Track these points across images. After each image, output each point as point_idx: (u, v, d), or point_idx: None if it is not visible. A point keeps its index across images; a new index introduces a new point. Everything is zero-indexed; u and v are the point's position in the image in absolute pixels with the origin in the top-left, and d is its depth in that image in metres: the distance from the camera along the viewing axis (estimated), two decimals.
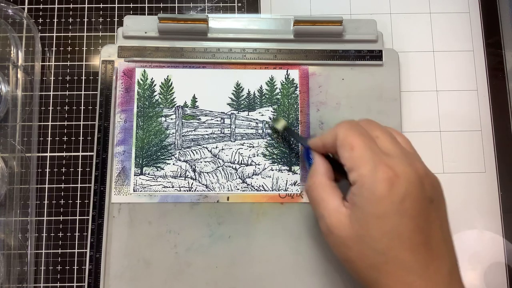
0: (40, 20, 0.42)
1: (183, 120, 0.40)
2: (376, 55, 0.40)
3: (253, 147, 0.39)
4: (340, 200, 0.29)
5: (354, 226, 0.28)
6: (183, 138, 0.39)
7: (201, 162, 0.39)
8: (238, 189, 0.38)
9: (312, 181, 0.31)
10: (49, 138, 0.40)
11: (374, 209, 0.27)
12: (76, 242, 0.39)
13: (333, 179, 0.31)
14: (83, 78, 0.41)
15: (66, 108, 0.41)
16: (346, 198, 0.29)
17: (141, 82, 0.40)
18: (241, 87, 0.40)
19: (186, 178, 0.39)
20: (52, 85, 0.41)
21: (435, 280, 0.26)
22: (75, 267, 0.39)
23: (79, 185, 0.40)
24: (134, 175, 0.38)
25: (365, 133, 0.29)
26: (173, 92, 0.40)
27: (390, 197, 0.26)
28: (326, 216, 0.29)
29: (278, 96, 0.40)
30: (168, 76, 0.40)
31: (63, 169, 0.40)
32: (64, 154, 0.40)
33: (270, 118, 0.39)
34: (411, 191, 0.27)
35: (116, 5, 0.43)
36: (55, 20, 0.42)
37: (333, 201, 0.29)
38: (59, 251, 0.39)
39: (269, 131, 0.39)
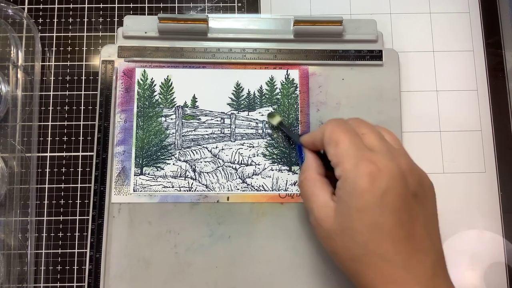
0: (40, 20, 0.42)
1: (183, 120, 0.40)
2: (376, 55, 0.40)
3: (253, 147, 0.39)
4: (329, 194, 0.30)
5: (338, 219, 0.28)
6: (183, 138, 0.39)
7: (201, 162, 0.39)
8: (238, 189, 0.38)
9: (304, 176, 0.32)
10: (49, 138, 0.40)
11: (355, 202, 0.27)
12: (76, 242, 0.39)
13: (323, 174, 0.32)
14: (83, 78, 0.41)
15: (66, 108, 0.41)
16: (334, 193, 0.30)
17: (141, 82, 0.40)
18: (241, 87, 0.40)
19: (186, 178, 0.39)
20: (52, 85, 0.41)
21: (417, 273, 0.27)
22: (75, 267, 0.39)
23: (79, 185, 0.40)
24: (134, 175, 0.38)
25: (351, 129, 0.30)
26: (173, 92, 0.40)
27: (371, 190, 0.27)
28: (315, 209, 0.30)
29: (278, 96, 0.40)
30: (168, 76, 0.40)
31: (63, 169, 0.40)
32: (64, 154, 0.40)
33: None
34: (392, 185, 0.27)
35: (116, 5, 0.43)
36: (55, 20, 0.42)
37: (322, 196, 0.30)
38: (59, 251, 0.39)
39: (269, 131, 0.39)
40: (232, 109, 0.40)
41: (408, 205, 0.27)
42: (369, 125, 0.31)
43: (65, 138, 0.40)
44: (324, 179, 0.32)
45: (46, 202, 0.39)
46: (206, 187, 0.38)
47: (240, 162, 0.39)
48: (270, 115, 0.39)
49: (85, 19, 0.42)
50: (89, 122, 0.41)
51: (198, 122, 0.40)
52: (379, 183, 0.27)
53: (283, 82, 0.40)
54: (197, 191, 0.38)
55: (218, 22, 0.41)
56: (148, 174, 0.39)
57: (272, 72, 0.40)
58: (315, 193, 0.30)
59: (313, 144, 0.33)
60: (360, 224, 0.27)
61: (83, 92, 0.41)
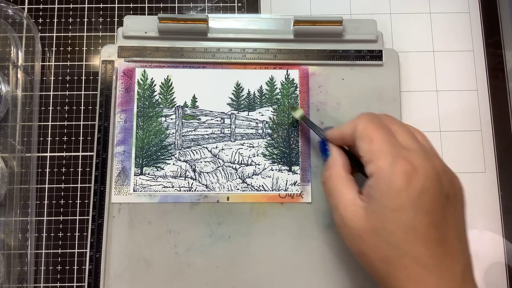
0: (40, 20, 0.42)
1: (183, 120, 0.40)
2: (376, 55, 0.40)
3: (253, 147, 0.39)
4: (356, 193, 0.29)
5: (369, 219, 0.28)
6: (183, 138, 0.39)
7: (201, 162, 0.39)
8: (238, 189, 0.38)
9: (329, 173, 0.31)
10: (49, 138, 0.40)
11: (390, 202, 0.27)
12: (76, 242, 0.39)
13: (350, 171, 0.31)
14: (83, 78, 0.41)
15: (66, 108, 0.41)
16: (361, 191, 0.29)
17: (141, 82, 0.40)
18: (241, 87, 0.40)
19: (186, 178, 0.39)
20: (52, 85, 0.41)
21: (448, 277, 0.26)
22: (75, 267, 0.39)
23: (79, 185, 0.40)
24: (134, 175, 0.38)
25: (385, 126, 0.29)
26: (173, 92, 0.40)
27: (407, 191, 0.26)
28: (341, 208, 0.29)
29: (278, 96, 0.40)
30: (168, 76, 0.40)
31: (63, 169, 0.40)
32: (64, 154, 0.40)
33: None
34: (428, 186, 0.26)
35: (116, 5, 0.43)
36: (55, 20, 0.42)
37: (349, 193, 0.29)
38: (59, 251, 0.39)
39: (269, 131, 0.39)
40: (232, 109, 0.40)
41: (441, 207, 0.27)
42: (400, 122, 0.31)
43: (65, 138, 0.40)
44: (351, 176, 0.31)
45: (46, 202, 0.39)
46: (206, 187, 0.38)
47: (240, 162, 0.39)
48: (293, 108, 0.38)
49: (85, 19, 0.42)
50: (89, 122, 0.41)
51: (198, 122, 0.40)
52: (416, 183, 0.26)
53: (283, 82, 0.40)
54: (197, 191, 0.38)
55: (218, 22, 0.41)
56: (148, 174, 0.39)
57: (272, 72, 0.40)
58: (342, 191, 0.30)
59: (341, 139, 0.32)
60: (395, 225, 0.26)
61: (83, 92, 0.41)
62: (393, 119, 0.31)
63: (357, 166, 0.31)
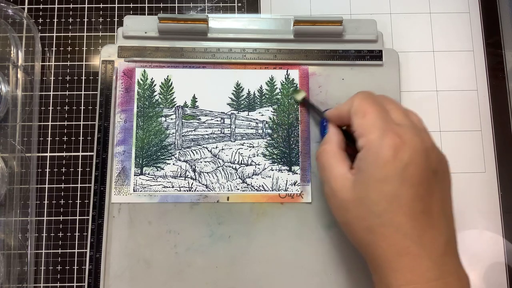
0: (40, 20, 0.42)
1: (183, 120, 0.40)
2: (376, 55, 0.40)
3: (253, 147, 0.39)
4: (347, 167, 0.30)
5: (355, 189, 0.29)
6: (183, 138, 0.39)
7: (201, 162, 0.39)
8: (238, 189, 0.38)
9: (323, 148, 0.33)
10: (49, 138, 0.40)
11: (376, 172, 0.27)
12: (76, 242, 0.39)
13: (344, 149, 0.32)
14: (83, 78, 0.41)
15: (66, 108, 0.41)
16: (352, 166, 0.30)
17: (141, 82, 0.40)
18: (241, 87, 0.40)
19: (186, 178, 0.39)
20: (52, 85, 0.41)
21: (430, 248, 0.27)
22: (75, 267, 0.39)
23: (79, 185, 0.40)
24: (134, 175, 0.38)
25: (380, 103, 0.31)
26: (173, 92, 0.40)
27: (394, 162, 0.27)
28: (332, 180, 0.30)
29: (278, 96, 0.40)
30: (168, 76, 0.40)
31: (63, 169, 0.40)
32: (64, 154, 0.40)
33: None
34: (415, 159, 0.27)
35: (116, 5, 0.43)
36: (55, 20, 0.42)
37: (340, 168, 0.30)
38: (59, 251, 0.39)
39: (269, 131, 0.39)
40: (232, 109, 0.40)
41: (427, 180, 0.28)
42: (396, 102, 0.32)
43: (65, 138, 0.40)
44: (344, 153, 0.32)
45: (46, 202, 0.39)
46: (206, 187, 0.38)
47: (240, 162, 0.39)
48: (295, 91, 0.39)
49: (85, 19, 0.42)
50: (89, 122, 0.41)
51: (198, 122, 0.40)
52: (403, 156, 0.27)
53: (283, 82, 0.40)
54: (197, 191, 0.38)
55: (218, 22, 0.41)
56: (148, 174, 0.39)
57: (272, 72, 0.40)
58: (333, 165, 0.31)
59: (339, 117, 0.33)
60: (379, 195, 0.27)
61: (83, 92, 0.41)
62: (390, 99, 0.32)
63: (352, 144, 0.32)
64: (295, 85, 0.40)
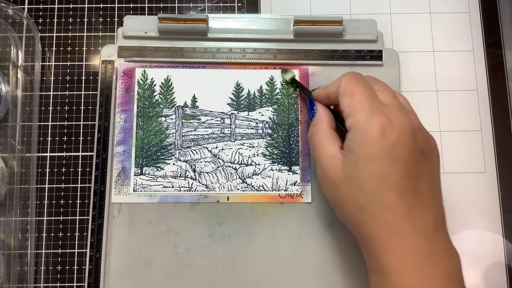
0: (40, 20, 0.42)
1: (183, 120, 0.40)
2: (376, 55, 0.40)
3: (253, 147, 0.39)
4: (338, 147, 0.31)
5: (345, 168, 0.29)
6: (183, 138, 0.39)
7: (201, 162, 0.39)
8: (238, 189, 0.38)
9: (315, 128, 0.33)
10: (49, 138, 0.40)
11: (365, 151, 0.28)
12: (76, 242, 0.39)
13: (334, 128, 0.33)
14: (83, 78, 0.41)
15: (66, 108, 0.41)
16: (343, 146, 0.31)
17: (141, 82, 0.40)
18: (241, 87, 0.40)
19: (186, 178, 0.39)
20: (52, 85, 0.41)
21: (419, 226, 0.27)
22: (75, 267, 0.39)
23: (79, 185, 0.40)
24: (134, 175, 0.38)
25: (367, 84, 0.31)
26: (173, 92, 0.40)
27: (382, 141, 0.27)
28: (323, 159, 0.31)
29: (278, 96, 0.40)
30: (168, 76, 0.40)
31: (63, 169, 0.40)
32: (64, 154, 0.40)
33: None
34: (402, 138, 0.28)
35: (116, 5, 0.43)
36: (55, 20, 0.42)
37: (332, 147, 0.31)
38: (59, 251, 0.39)
39: (269, 131, 0.39)
40: (232, 109, 0.40)
41: (415, 160, 0.28)
42: (384, 84, 0.32)
43: (65, 138, 0.40)
44: (334, 132, 0.32)
45: (46, 202, 0.39)
46: (206, 187, 0.38)
47: (240, 162, 0.39)
48: (284, 71, 0.40)
49: (85, 19, 0.42)
50: (89, 122, 0.41)
51: (198, 122, 0.40)
52: (390, 135, 0.28)
53: (283, 82, 0.40)
54: (197, 191, 0.38)
55: (218, 22, 0.41)
56: (148, 174, 0.39)
57: (272, 72, 0.40)
58: (325, 144, 0.31)
59: (326, 96, 0.33)
60: (368, 173, 0.28)
61: (83, 92, 0.41)
62: (378, 80, 0.33)
63: (340, 124, 0.33)
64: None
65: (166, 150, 0.39)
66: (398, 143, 0.28)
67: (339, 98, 0.31)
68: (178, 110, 0.40)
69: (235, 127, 0.40)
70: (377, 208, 0.28)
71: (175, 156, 0.39)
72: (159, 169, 0.39)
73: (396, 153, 0.27)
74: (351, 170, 0.29)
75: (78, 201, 0.39)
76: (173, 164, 0.39)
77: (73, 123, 0.41)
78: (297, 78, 0.40)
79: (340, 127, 0.33)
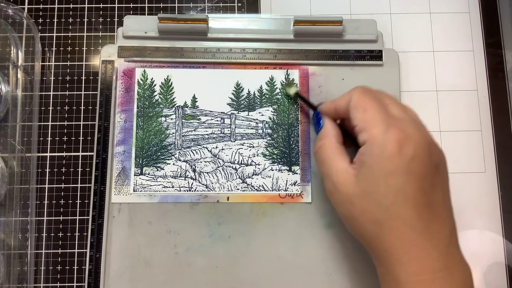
0: (40, 20, 0.42)
1: (183, 120, 0.40)
2: (376, 55, 0.40)
3: (253, 147, 0.39)
4: (347, 162, 0.31)
5: (360, 183, 0.29)
6: (183, 138, 0.39)
7: (201, 162, 0.39)
8: (238, 189, 0.38)
9: (322, 142, 0.33)
10: (49, 138, 0.40)
11: (382, 167, 0.28)
12: (76, 242, 0.39)
13: (342, 143, 0.33)
14: (83, 78, 0.41)
15: (66, 108, 0.41)
16: (353, 160, 0.31)
17: (141, 82, 0.40)
18: (241, 87, 0.40)
19: (186, 178, 0.39)
20: (52, 85, 0.41)
21: (435, 240, 0.27)
22: (75, 267, 0.39)
23: (79, 185, 0.40)
24: (134, 175, 0.38)
25: (378, 97, 0.31)
26: (173, 92, 0.40)
27: (399, 156, 0.28)
28: (333, 174, 0.31)
29: (278, 96, 0.40)
30: (168, 76, 0.40)
31: (63, 169, 0.40)
32: (64, 154, 0.40)
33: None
34: (419, 153, 0.28)
35: (116, 5, 0.43)
36: (55, 20, 0.42)
37: (341, 162, 0.31)
38: (59, 251, 0.39)
39: (269, 131, 0.39)
40: (232, 109, 0.40)
41: (430, 173, 0.28)
42: (392, 97, 0.32)
43: (65, 138, 0.40)
44: (343, 147, 0.32)
45: (46, 202, 0.39)
46: (206, 187, 0.38)
47: (240, 162, 0.39)
48: (288, 85, 0.39)
49: (85, 19, 0.42)
50: (89, 122, 0.41)
51: (198, 122, 0.40)
52: (407, 149, 0.28)
53: (283, 82, 0.40)
54: (197, 191, 0.38)
55: (218, 22, 0.41)
56: (148, 174, 0.39)
57: (272, 72, 0.40)
58: (335, 160, 0.31)
59: (335, 110, 0.33)
60: (386, 188, 0.28)
61: (83, 92, 0.41)
62: (386, 93, 0.33)
63: (348, 138, 0.33)
64: (295, 85, 0.40)
65: (166, 150, 0.39)
66: (415, 157, 0.28)
67: (350, 112, 0.31)
68: (178, 110, 0.40)
69: (235, 127, 0.40)
70: (394, 222, 0.28)
71: (175, 156, 0.39)
72: (159, 169, 0.39)
73: (413, 167, 0.28)
74: (367, 185, 0.28)
75: (78, 201, 0.39)
76: (173, 164, 0.39)
77: (73, 123, 0.41)
78: (297, 78, 0.40)
79: (347, 141, 0.33)
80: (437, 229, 0.28)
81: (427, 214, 0.28)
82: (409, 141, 0.28)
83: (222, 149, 0.39)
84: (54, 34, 0.42)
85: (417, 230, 0.27)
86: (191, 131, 0.39)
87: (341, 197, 0.30)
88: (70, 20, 0.42)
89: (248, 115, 0.40)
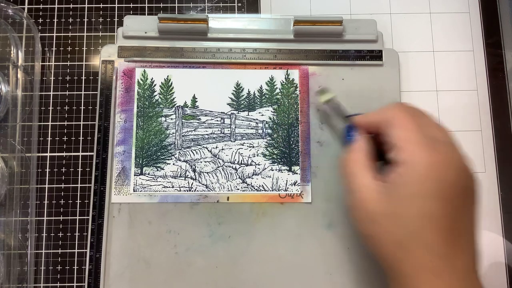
0: (40, 20, 0.42)
1: (183, 120, 0.40)
2: (376, 55, 0.40)
3: (253, 147, 0.39)
4: (374, 178, 0.30)
5: (388, 203, 0.28)
6: (183, 138, 0.39)
7: (201, 162, 0.39)
8: (238, 189, 0.38)
9: (351, 155, 0.32)
10: (49, 138, 0.40)
11: (413, 188, 0.27)
12: (76, 242, 0.39)
13: (372, 159, 0.32)
14: (83, 78, 0.41)
15: (66, 108, 0.41)
16: (380, 177, 0.30)
17: (141, 82, 0.40)
18: (241, 87, 0.40)
19: (186, 178, 0.39)
20: (52, 85, 0.41)
21: (456, 267, 0.27)
22: (75, 267, 0.39)
23: (79, 185, 0.40)
24: (134, 175, 0.38)
25: (416, 116, 0.30)
26: (173, 92, 0.40)
27: (433, 180, 0.27)
28: (357, 190, 0.30)
29: (278, 96, 0.40)
30: (168, 76, 0.40)
31: (63, 169, 0.40)
32: (64, 154, 0.40)
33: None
34: (452, 177, 0.27)
35: (116, 5, 0.43)
36: (55, 20, 0.42)
37: (367, 178, 0.30)
38: (59, 251, 0.39)
39: (269, 131, 0.39)
40: (232, 109, 0.40)
41: (461, 199, 0.28)
42: (429, 116, 0.32)
43: (65, 138, 0.40)
44: (373, 163, 0.31)
45: (46, 202, 0.39)
46: (206, 187, 0.38)
47: (240, 162, 0.39)
48: (322, 91, 0.38)
49: (85, 19, 0.42)
50: (89, 122, 0.41)
51: (198, 122, 0.40)
52: (441, 174, 0.27)
53: (283, 82, 0.40)
54: (197, 191, 0.38)
55: (218, 22, 0.41)
56: (148, 174, 0.39)
57: (272, 72, 0.40)
58: (362, 175, 0.30)
59: (368, 124, 0.32)
60: (416, 211, 0.27)
61: (83, 92, 0.41)
62: (422, 111, 0.32)
63: (379, 154, 0.32)
64: (295, 85, 0.40)
65: (166, 150, 0.39)
66: (448, 182, 0.27)
67: (386, 129, 0.30)
68: (178, 110, 0.40)
69: (235, 127, 0.40)
70: (417, 246, 0.27)
71: (175, 156, 0.39)
72: (159, 169, 0.39)
73: (446, 192, 0.27)
74: (395, 205, 0.28)
75: (78, 201, 0.39)
76: (173, 164, 0.39)
77: (73, 123, 0.41)
78: (297, 78, 0.40)
79: (375, 156, 0.32)
80: (459, 255, 0.27)
81: (451, 240, 0.27)
82: (444, 164, 0.27)
83: (222, 149, 0.39)
84: (54, 34, 0.42)
85: (439, 255, 0.27)
86: (191, 131, 0.39)
87: (364, 214, 0.29)
88: (70, 20, 0.42)
89: (248, 115, 0.40)
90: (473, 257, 0.28)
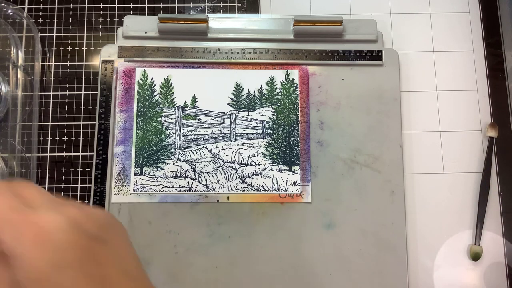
0: (40, 20, 0.42)
1: (183, 120, 0.40)
2: (376, 55, 0.40)
3: (253, 147, 0.39)
4: None
5: None
6: (183, 138, 0.39)
7: (201, 162, 0.39)
8: (238, 189, 0.38)
9: None
10: (49, 138, 0.40)
11: (29, 275, 0.22)
12: None
13: None
14: (83, 78, 0.41)
15: (66, 108, 0.41)
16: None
17: (141, 82, 0.40)
18: (241, 87, 0.40)
19: (186, 178, 0.39)
20: (52, 85, 0.41)
21: None
22: None
23: (79, 185, 0.40)
24: (134, 175, 0.38)
25: (4, 191, 0.24)
26: (173, 92, 0.40)
27: (45, 255, 0.22)
28: None
29: (278, 96, 0.40)
30: (168, 76, 0.40)
31: (63, 169, 0.40)
32: (64, 154, 0.40)
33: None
34: (66, 239, 0.22)
35: (116, 5, 0.43)
36: (55, 20, 0.42)
37: None
38: None
39: (269, 131, 0.39)
40: (232, 109, 0.40)
41: (91, 252, 0.23)
42: (25, 182, 0.25)
43: (65, 138, 0.40)
44: None
45: None
46: (206, 187, 0.38)
47: (240, 162, 0.39)
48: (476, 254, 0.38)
49: (85, 19, 0.42)
50: (89, 122, 0.41)
51: (198, 122, 0.40)
52: (51, 244, 0.22)
53: (283, 82, 0.40)
54: (197, 191, 0.38)
55: (218, 22, 0.41)
56: (148, 174, 0.39)
57: (272, 72, 0.40)
58: None
59: None
60: None
61: (83, 92, 0.41)
62: (16, 181, 0.25)
63: None
64: (295, 85, 0.40)
65: (166, 150, 0.39)
66: (63, 248, 0.22)
67: None
68: (178, 110, 0.40)
69: (235, 127, 0.40)
70: None
71: (175, 156, 0.39)
72: (159, 169, 0.39)
73: (66, 259, 0.22)
74: None
75: (78, 201, 0.39)
76: (173, 164, 0.39)
77: (73, 123, 0.41)
78: (297, 78, 0.40)
79: None
80: None
81: None
82: (49, 232, 0.22)
83: (222, 149, 0.39)
84: (54, 34, 0.42)
85: None
86: (191, 131, 0.39)
87: None
88: (70, 20, 0.42)
89: (248, 115, 0.40)
90: None
